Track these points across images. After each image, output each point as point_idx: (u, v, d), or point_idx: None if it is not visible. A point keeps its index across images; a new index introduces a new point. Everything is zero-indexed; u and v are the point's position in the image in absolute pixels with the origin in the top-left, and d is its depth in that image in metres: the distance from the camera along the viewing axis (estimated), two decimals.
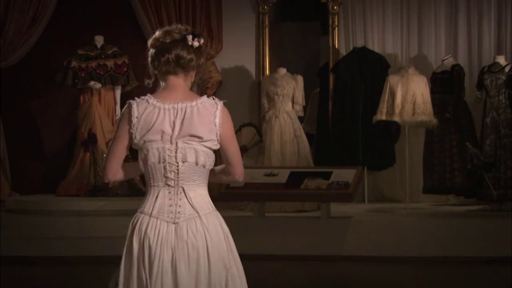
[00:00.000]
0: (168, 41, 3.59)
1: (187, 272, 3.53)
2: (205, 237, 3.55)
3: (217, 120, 3.56)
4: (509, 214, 9.69)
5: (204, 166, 3.59)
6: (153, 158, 3.57)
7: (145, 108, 3.59)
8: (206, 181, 3.65)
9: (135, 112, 3.58)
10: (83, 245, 9.50)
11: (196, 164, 3.57)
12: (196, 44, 3.59)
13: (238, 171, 3.67)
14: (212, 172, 3.70)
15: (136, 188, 10.82)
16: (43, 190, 11.14)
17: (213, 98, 3.63)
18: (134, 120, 3.58)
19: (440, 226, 9.47)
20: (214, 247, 3.55)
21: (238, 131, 10.09)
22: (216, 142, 3.59)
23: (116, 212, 9.87)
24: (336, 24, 11.61)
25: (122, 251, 3.63)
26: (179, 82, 3.64)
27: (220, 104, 3.59)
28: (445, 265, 8.97)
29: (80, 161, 10.80)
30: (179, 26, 3.63)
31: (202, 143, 3.57)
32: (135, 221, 3.61)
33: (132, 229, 3.60)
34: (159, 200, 3.59)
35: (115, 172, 3.63)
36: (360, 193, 10.84)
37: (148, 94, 3.65)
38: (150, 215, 3.57)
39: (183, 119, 3.56)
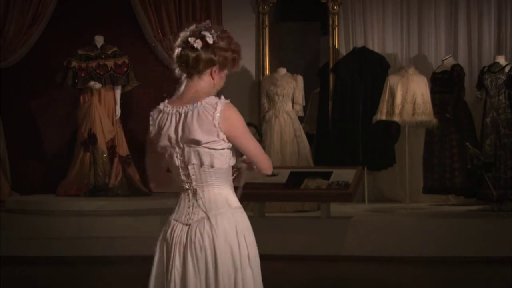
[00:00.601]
0: (181, 43, 3.64)
1: (195, 272, 3.58)
2: (212, 237, 3.58)
3: (216, 121, 3.56)
4: (509, 214, 9.69)
5: (211, 167, 3.60)
6: (169, 163, 3.66)
7: (158, 115, 3.68)
8: (223, 180, 3.64)
9: (151, 120, 3.69)
10: (83, 245, 9.50)
11: (202, 165, 3.60)
12: (197, 45, 3.58)
13: (264, 166, 3.67)
14: (250, 172, 3.74)
15: (136, 188, 10.82)
16: (43, 190, 11.14)
17: (219, 98, 3.62)
18: (151, 128, 3.68)
19: (440, 226, 9.47)
20: (221, 247, 3.57)
21: None
22: (221, 142, 3.58)
23: (116, 212, 9.88)
24: (336, 24, 11.60)
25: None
26: (193, 84, 3.65)
27: (220, 104, 3.58)
28: (445, 265, 8.97)
29: (80, 161, 10.79)
30: (195, 26, 3.64)
31: (204, 145, 3.58)
32: (165, 225, 3.74)
33: (161, 232, 3.73)
34: (181, 203, 3.69)
35: (156, 179, 3.75)
36: (360, 193, 10.84)
37: (166, 100, 3.71)
38: (173, 219, 3.69)
39: (184, 123, 3.59)
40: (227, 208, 3.64)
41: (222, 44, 3.61)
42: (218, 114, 3.56)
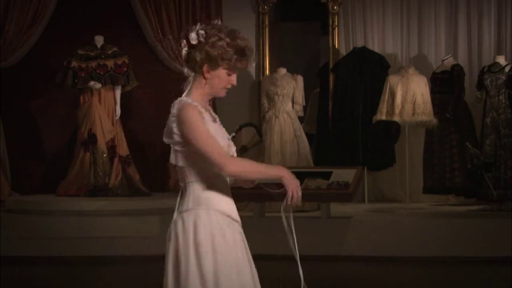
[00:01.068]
0: None
1: (171, 267, 3.65)
2: (169, 235, 3.64)
3: (171, 122, 3.58)
4: (509, 214, 9.69)
5: (176, 166, 3.63)
6: None
7: None
8: (196, 179, 3.61)
9: None
10: (83, 245, 9.50)
11: (172, 164, 3.65)
12: (183, 46, 3.62)
13: (221, 168, 3.53)
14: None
15: (136, 188, 10.82)
16: (43, 190, 11.14)
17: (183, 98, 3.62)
18: None
19: (440, 226, 9.47)
20: (170, 246, 3.62)
21: (237, 131, 10.07)
22: (179, 144, 3.58)
23: (116, 212, 9.88)
24: (336, 24, 11.61)
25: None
26: (191, 83, 3.67)
27: (177, 105, 3.58)
28: (445, 265, 8.97)
29: (80, 161, 10.79)
30: (194, 26, 3.66)
31: (171, 146, 3.62)
32: None
33: None
34: None
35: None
36: (360, 193, 10.84)
37: None
38: None
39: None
40: (191, 208, 3.61)
41: (210, 43, 3.56)
42: (172, 117, 3.57)
